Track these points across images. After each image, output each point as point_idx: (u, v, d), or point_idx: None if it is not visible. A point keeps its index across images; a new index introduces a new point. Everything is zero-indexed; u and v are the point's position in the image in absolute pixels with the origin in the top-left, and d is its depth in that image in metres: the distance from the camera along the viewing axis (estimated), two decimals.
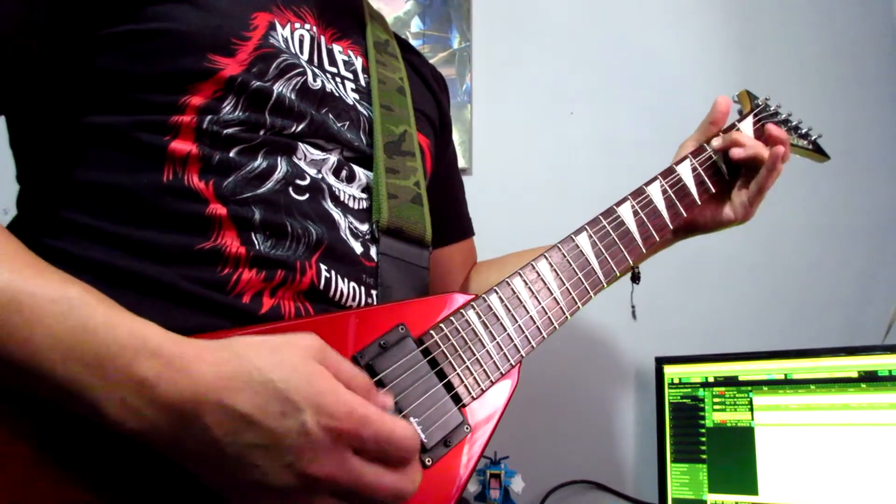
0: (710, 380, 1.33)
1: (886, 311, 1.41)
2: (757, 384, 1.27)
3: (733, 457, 1.24)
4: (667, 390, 1.38)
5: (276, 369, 0.54)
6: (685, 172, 0.98)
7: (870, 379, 1.17)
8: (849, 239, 1.63)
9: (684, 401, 1.34)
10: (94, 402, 0.52)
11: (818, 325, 1.57)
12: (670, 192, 0.95)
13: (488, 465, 1.36)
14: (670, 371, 1.39)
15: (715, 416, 1.29)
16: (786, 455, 1.19)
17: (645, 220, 0.92)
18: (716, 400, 1.30)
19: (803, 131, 1.14)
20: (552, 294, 0.82)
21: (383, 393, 0.62)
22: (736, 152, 0.99)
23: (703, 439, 1.28)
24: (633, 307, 1.22)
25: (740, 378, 1.29)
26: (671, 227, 0.95)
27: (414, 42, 1.71)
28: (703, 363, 1.36)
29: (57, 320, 0.53)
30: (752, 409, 1.25)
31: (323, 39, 0.90)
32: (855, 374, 1.18)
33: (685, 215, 0.96)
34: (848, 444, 1.14)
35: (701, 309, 1.56)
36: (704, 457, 1.27)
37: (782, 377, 1.25)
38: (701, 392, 1.33)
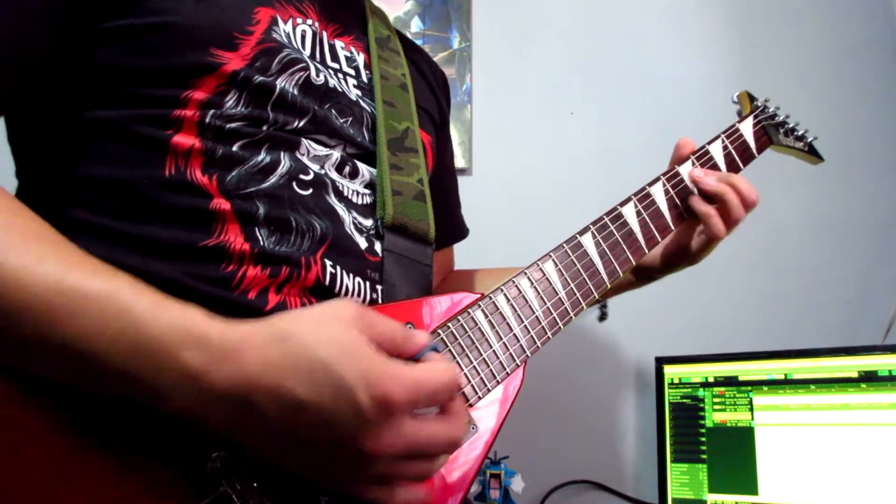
0: (710, 380, 1.33)
1: (886, 311, 1.42)
2: (757, 384, 1.27)
3: (733, 457, 1.24)
4: (667, 390, 1.38)
5: (323, 347, 0.54)
6: (687, 173, 0.97)
7: (870, 379, 1.17)
8: (849, 239, 1.64)
9: (684, 401, 1.34)
10: (149, 387, 0.53)
11: (818, 325, 1.57)
12: (672, 192, 0.95)
13: (488, 465, 1.36)
14: (670, 371, 1.39)
15: (715, 416, 1.29)
16: (786, 455, 1.19)
17: (648, 220, 0.92)
18: (716, 400, 1.30)
19: (799, 133, 1.15)
20: (557, 294, 0.82)
21: (420, 333, 0.62)
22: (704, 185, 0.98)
23: (703, 439, 1.29)
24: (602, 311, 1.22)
25: (740, 378, 1.29)
26: (672, 227, 0.95)
27: None
28: (703, 363, 1.36)
29: (104, 307, 0.53)
30: (752, 409, 1.25)
31: (325, 35, 0.89)
32: (855, 374, 1.18)
33: (686, 216, 0.96)
34: (848, 444, 1.15)
35: (701, 309, 1.56)
36: (704, 457, 1.27)
37: (782, 377, 1.25)
38: (701, 392, 1.33)
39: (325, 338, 0.54)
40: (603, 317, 1.13)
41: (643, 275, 1.07)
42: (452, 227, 1.20)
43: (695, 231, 1.00)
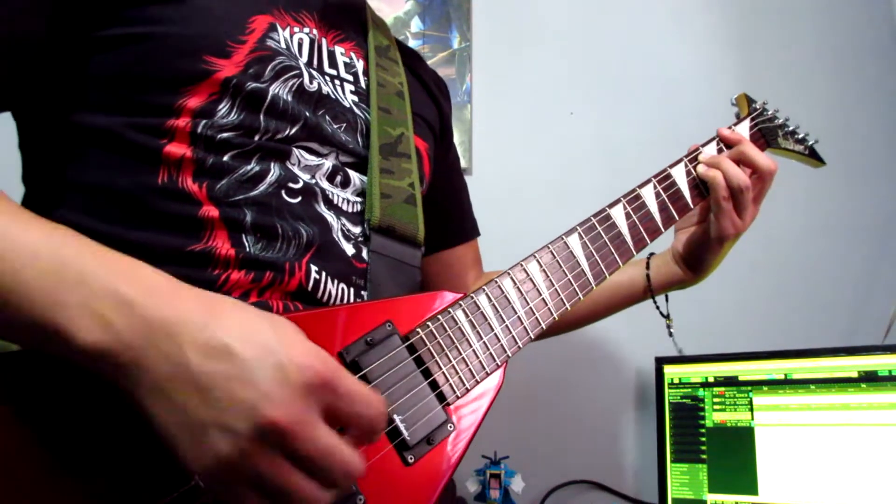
0: (710, 380, 1.32)
1: (886, 311, 1.41)
2: (757, 384, 1.26)
3: (733, 457, 1.24)
4: (667, 390, 1.37)
5: (272, 318, 0.54)
6: (679, 175, 0.98)
7: (870, 379, 1.16)
8: (849, 239, 1.63)
9: (684, 401, 1.34)
10: (61, 314, 0.51)
11: (818, 325, 1.56)
12: (664, 195, 0.96)
13: (488, 465, 1.36)
14: (670, 371, 1.38)
15: (715, 416, 1.29)
16: (786, 455, 1.18)
17: (637, 222, 0.92)
18: (716, 400, 1.30)
19: (800, 136, 1.14)
20: (541, 295, 0.82)
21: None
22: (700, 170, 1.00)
23: (703, 439, 1.28)
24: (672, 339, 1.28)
25: (740, 378, 1.29)
26: (663, 230, 0.95)
27: (414, 42, 1.71)
28: (703, 363, 1.35)
29: (40, 243, 0.53)
30: (752, 409, 1.25)
31: (325, 42, 0.90)
32: (855, 374, 1.18)
33: (677, 218, 0.97)
34: (848, 444, 1.14)
35: (701, 309, 1.55)
36: (704, 457, 1.27)
37: (782, 377, 1.24)
38: (701, 392, 1.32)
39: (277, 319, 0.55)
40: (670, 326, 1.15)
41: (690, 267, 1.09)
42: (462, 226, 1.21)
43: (710, 216, 1.01)
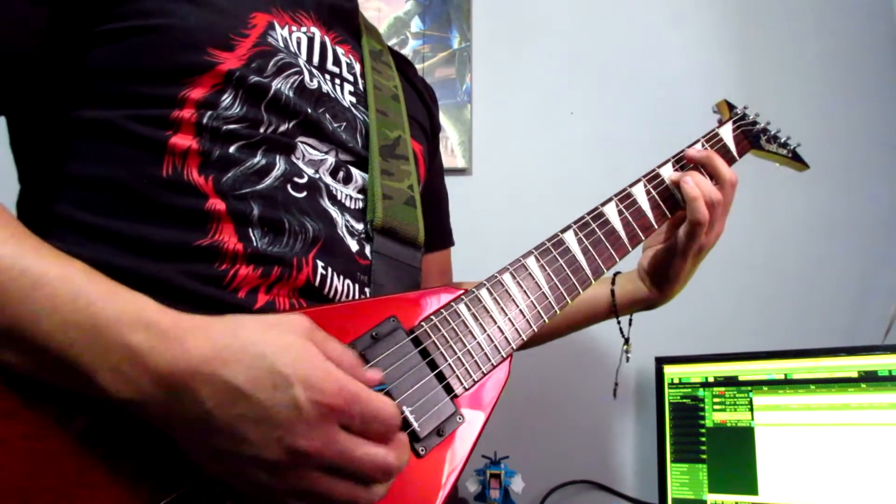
0: (710, 380, 1.32)
1: (886, 311, 1.41)
2: (757, 384, 1.27)
3: (733, 457, 1.24)
4: (667, 390, 1.37)
5: (269, 344, 0.55)
6: (667, 175, 0.99)
7: (870, 379, 1.16)
8: (849, 239, 1.63)
9: (684, 401, 1.34)
10: (88, 370, 0.53)
11: (818, 325, 1.56)
12: (654, 192, 0.97)
13: (488, 465, 1.36)
14: (670, 371, 1.38)
15: (715, 416, 1.29)
16: (786, 455, 1.18)
17: (630, 219, 0.93)
18: (716, 400, 1.30)
19: (782, 140, 1.16)
20: (541, 289, 0.83)
21: (369, 369, 0.63)
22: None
23: (703, 439, 1.28)
24: (615, 384, 1.30)
25: (740, 378, 1.29)
26: (656, 226, 0.96)
27: (414, 42, 1.72)
28: (703, 363, 1.35)
29: (58, 288, 0.54)
30: (752, 409, 1.25)
31: (328, 40, 0.91)
32: (855, 374, 1.18)
33: (669, 216, 0.97)
34: (848, 444, 1.14)
35: (701, 309, 1.55)
36: (704, 457, 1.27)
37: (782, 377, 1.24)
38: (701, 392, 1.32)
39: (272, 338, 0.56)
40: (627, 352, 1.14)
41: (656, 284, 1.07)
42: (441, 234, 1.21)
43: (679, 231, 0.99)
